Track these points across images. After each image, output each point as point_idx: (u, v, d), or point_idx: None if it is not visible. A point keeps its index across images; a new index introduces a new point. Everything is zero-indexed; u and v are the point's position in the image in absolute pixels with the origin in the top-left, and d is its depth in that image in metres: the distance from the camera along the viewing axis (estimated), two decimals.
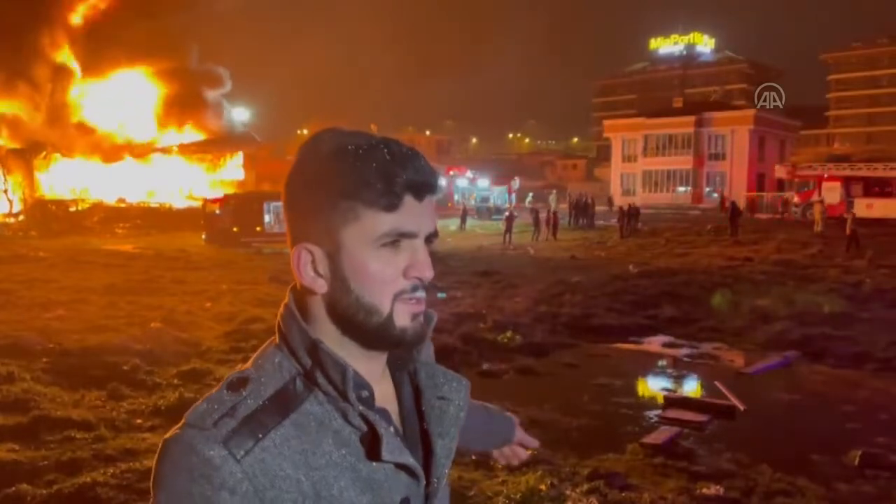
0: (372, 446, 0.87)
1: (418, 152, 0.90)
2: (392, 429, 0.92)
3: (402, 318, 0.90)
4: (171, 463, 0.83)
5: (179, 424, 0.85)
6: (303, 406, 0.87)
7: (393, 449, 0.88)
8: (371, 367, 0.93)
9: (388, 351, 0.94)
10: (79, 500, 4.57)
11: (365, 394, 0.89)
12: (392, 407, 0.96)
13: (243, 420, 0.84)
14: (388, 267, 0.89)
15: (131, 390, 7.06)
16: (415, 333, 0.91)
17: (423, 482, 0.93)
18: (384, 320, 0.89)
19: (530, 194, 46.92)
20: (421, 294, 0.91)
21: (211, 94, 48.27)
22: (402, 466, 0.90)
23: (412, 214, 0.89)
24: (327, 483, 0.85)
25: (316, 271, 0.90)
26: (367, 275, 0.88)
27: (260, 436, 0.83)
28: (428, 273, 0.91)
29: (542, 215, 28.05)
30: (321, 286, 0.90)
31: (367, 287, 0.89)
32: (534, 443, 1.50)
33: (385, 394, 0.96)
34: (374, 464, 0.88)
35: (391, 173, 0.87)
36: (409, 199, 0.88)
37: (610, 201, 29.29)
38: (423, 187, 0.89)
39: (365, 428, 0.88)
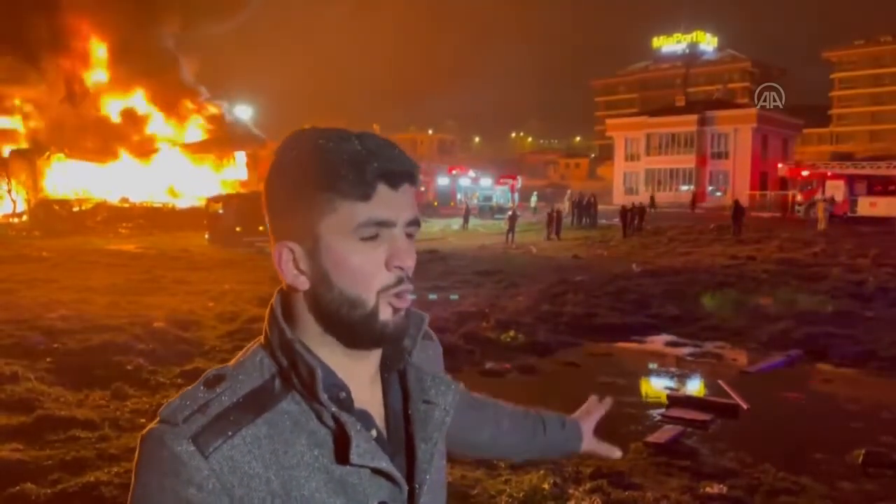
0: (342, 449, 0.86)
1: (393, 143, 0.91)
2: (373, 431, 0.91)
3: (385, 314, 0.90)
4: (144, 458, 0.84)
5: (154, 420, 0.86)
6: (279, 405, 0.87)
7: (364, 452, 0.86)
8: (357, 369, 0.93)
9: (370, 349, 0.93)
10: (83, 499, 4.58)
11: (342, 395, 0.89)
12: (378, 410, 0.95)
13: (215, 417, 0.84)
14: (370, 260, 0.88)
15: (135, 390, 7.08)
16: (395, 328, 0.91)
17: (405, 487, 0.92)
18: (368, 313, 0.89)
19: (534, 193, 46.75)
20: (406, 286, 0.91)
21: (209, 93, 48.37)
22: (377, 471, 0.89)
23: (387, 203, 0.88)
24: (298, 483, 0.85)
25: (298, 268, 0.90)
26: (348, 268, 0.88)
27: (230, 433, 0.83)
28: (409, 261, 0.90)
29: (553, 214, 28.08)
30: (303, 283, 0.90)
31: (350, 281, 0.88)
32: (615, 453, 1.50)
33: (372, 396, 0.95)
34: (348, 466, 0.87)
35: (362, 162, 0.87)
36: (382, 188, 0.88)
37: (652, 200, 28.62)
38: (397, 175, 0.89)
39: (338, 430, 0.88)
